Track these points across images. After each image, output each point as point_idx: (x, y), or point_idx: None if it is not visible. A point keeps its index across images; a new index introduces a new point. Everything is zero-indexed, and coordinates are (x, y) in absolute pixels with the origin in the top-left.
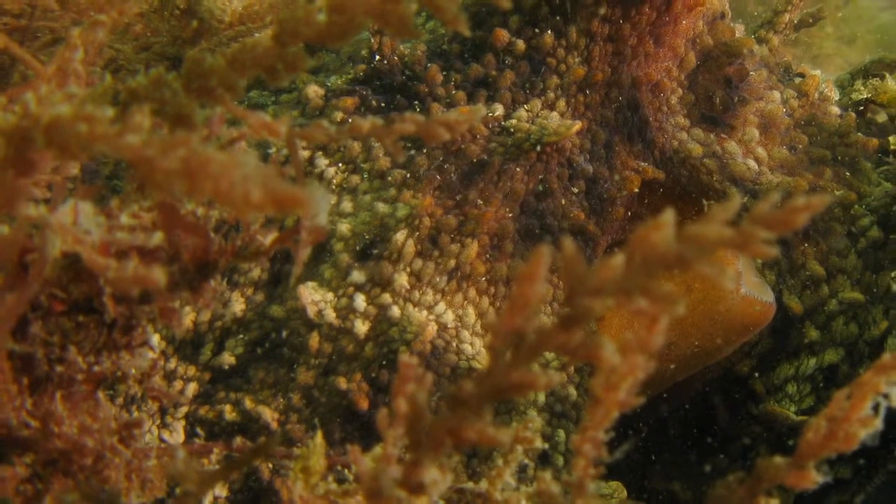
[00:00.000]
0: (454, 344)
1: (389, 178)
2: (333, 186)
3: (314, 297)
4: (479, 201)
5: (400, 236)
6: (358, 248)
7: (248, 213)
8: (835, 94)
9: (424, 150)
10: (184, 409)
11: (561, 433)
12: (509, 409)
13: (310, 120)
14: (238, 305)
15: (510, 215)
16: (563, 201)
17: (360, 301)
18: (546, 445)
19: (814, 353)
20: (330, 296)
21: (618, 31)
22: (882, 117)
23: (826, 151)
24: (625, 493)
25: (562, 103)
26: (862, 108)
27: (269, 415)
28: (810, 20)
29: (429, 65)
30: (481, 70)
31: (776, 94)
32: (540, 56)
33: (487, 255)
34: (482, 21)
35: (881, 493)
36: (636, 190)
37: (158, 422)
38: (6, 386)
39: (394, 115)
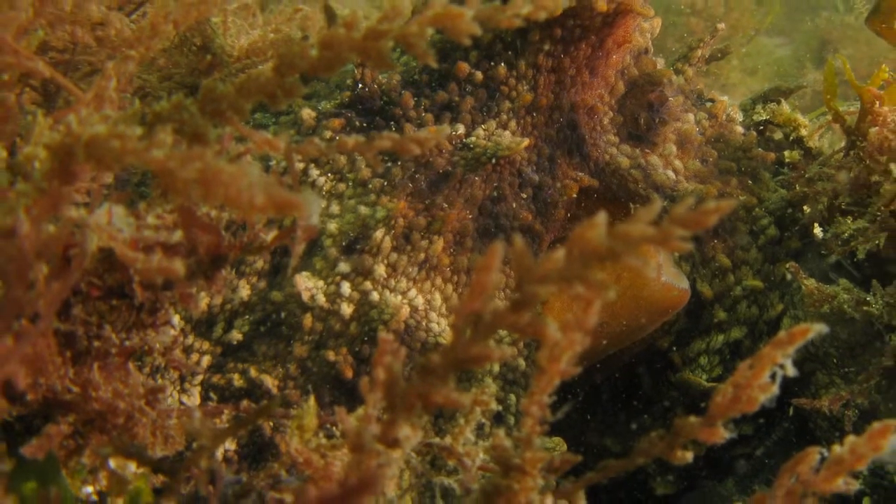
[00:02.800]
0: (424, 323)
1: (370, 186)
2: (323, 193)
3: (307, 285)
4: (445, 205)
5: (379, 234)
6: (344, 243)
7: (253, 214)
8: (739, 116)
9: (399, 163)
10: (199, 378)
11: (512, 397)
12: (469, 378)
13: (304, 137)
14: (244, 291)
15: (470, 217)
16: (514, 205)
17: (346, 288)
18: (500, 407)
19: (722, 331)
20: (321, 283)
21: (559, 64)
22: (778, 135)
23: (732, 163)
24: (565, 446)
25: (513, 124)
26: (762, 127)
27: (270, 382)
28: (719, 55)
29: (403, 92)
30: (446, 96)
31: (690, 116)
32: (495, 84)
33: (451, 250)
34: (447, 55)
35: (777, 446)
36: (574, 195)
37: (178, 388)
38: (52, 358)
39: (373, 134)
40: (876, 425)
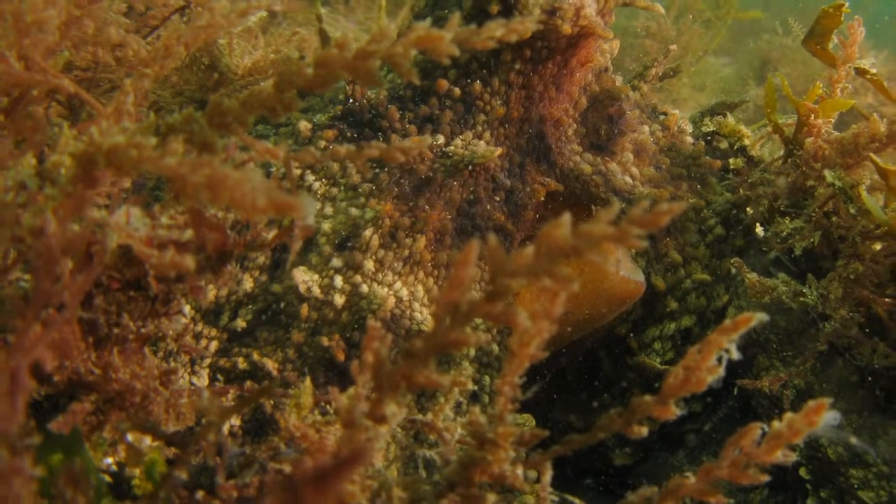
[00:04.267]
0: (408, 312)
1: (360, 190)
2: (318, 196)
3: (304, 278)
4: (426, 207)
5: (368, 233)
6: (336, 241)
7: (255, 215)
8: (689, 128)
9: (386, 169)
10: (208, 361)
11: (487, 378)
12: (448, 361)
13: (301, 147)
14: (248, 283)
15: (449, 217)
16: (489, 207)
17: (338, 281)
18: (476, 388)
19: (674, 319)
20: (316, 277)
21: (529, 81)
22: (724, 145)
23: (683, 170)
24: (533, 422)
25: (487, 135)
26: (709, 138)
27: (270, 365)
28: (671, 73)
29: (389, 106)
30: (428, 110)
31: (646, 128)
32: (471, 99)
33: (432, 247)
34: (428, 73)
35: (723, 422)
36: (542, 198)
37: (189, 370)
38: (77, 343)
39: (363, 144)
40: (811, 403)
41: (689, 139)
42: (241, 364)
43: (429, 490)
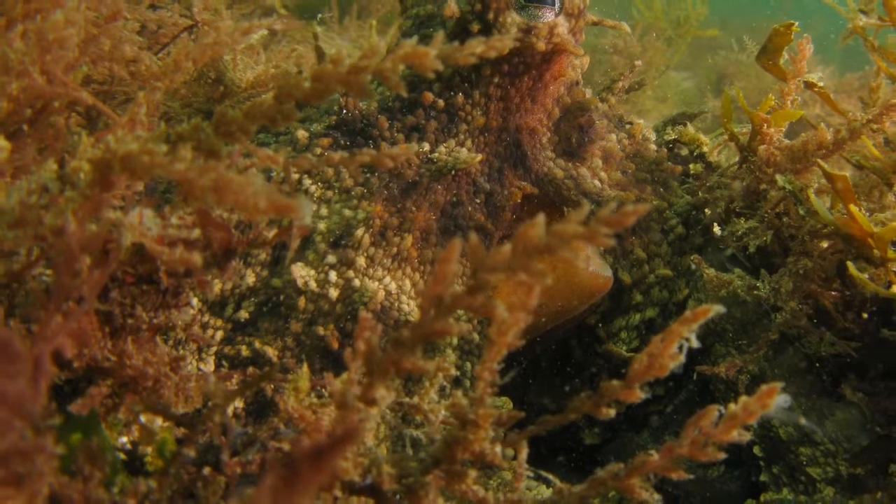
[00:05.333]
0: (396, 304)
1: (352, 193)
2: (314, 198)
3: (301, 273)
4: (413, 208)
5: (360, 232)
6: (331, 240)
7: (257, 216)
8: (653, 136)
9: (376, 174)
10: (214, 349)
11: (468, 365)
12: (433, 349)
13: (298, 153)
14: (250, 278)
15: (434, 218)
16: (470, 208)
17: (333, 275)
18: (458, 373)
19: (639, 311)
20: (312, 272)
21: (506, 94)
22: (685, 151)
23: (647, 175)
24: (510, 405)
25: (469, 142)
26: (671, 145)
27: (271, 352)
28: (636, 86)
29: (379, 116)
30: (414, 120)
31: (613, 136)
32: (454, 110)
33: (419, 245)
34: (415, 86)
35: (683, 404)
36: (518, 201)
37: (197, 357)
38: (94, 332)
39: (355, 150)
40: (764, 388)
41: (653, 146)
42: (244, 352)
43: (415, 466)
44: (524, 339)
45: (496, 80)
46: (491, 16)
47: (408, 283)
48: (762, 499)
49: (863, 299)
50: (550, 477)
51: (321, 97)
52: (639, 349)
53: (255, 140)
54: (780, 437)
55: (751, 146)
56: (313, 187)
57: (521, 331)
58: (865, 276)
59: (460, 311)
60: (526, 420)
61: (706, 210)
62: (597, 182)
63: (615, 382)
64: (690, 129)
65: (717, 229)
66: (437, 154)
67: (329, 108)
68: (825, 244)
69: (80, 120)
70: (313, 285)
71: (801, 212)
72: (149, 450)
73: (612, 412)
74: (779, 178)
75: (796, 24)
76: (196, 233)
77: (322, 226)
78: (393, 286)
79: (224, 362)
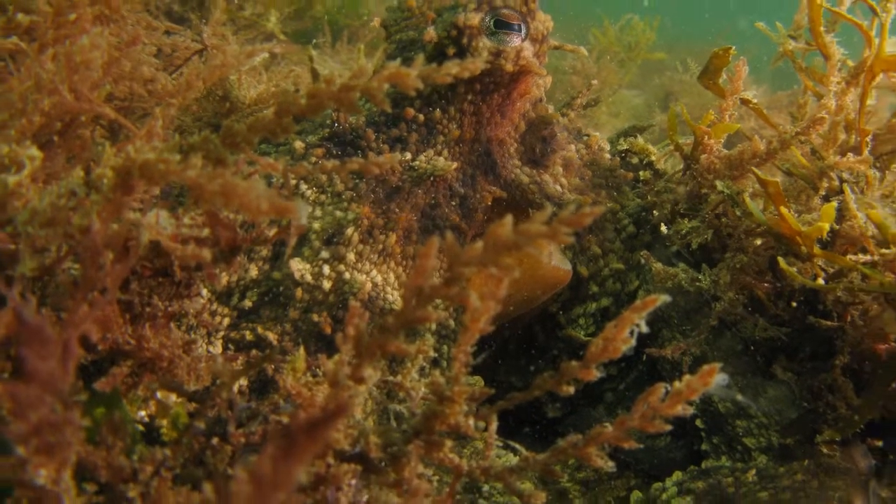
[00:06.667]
0: (382, 295)
1: (343, 196)
2: (310, 201)
3: (298, 267)
4: (397, 210)
5: (350, 231)
6: (324, 238)
7: (260, 217)
8: (607, 147)
9: (364, 180)
10: (221, 334)
11: (445, 347)
12: (414, 333)
13: (296, 162)
14: (253, 271)
15: (415, 218)
16: (446, 210)
17: (326, 269)
18: (436, 355)
19: (595, 300)
20: (308, 266)
21: (479, 109)
22: (635, 160)
23: (602, 180)
24: (482, 383)
25: (445, 152)
26: (623, 154)
27: (271, 337)
28: (592, 102)
29: (366, 129)
30: (398, 132)
31: (572, 147)
32: (432, 124)
33: (401, 242)
34: (398, 102)
35: (634, 382)
36: (489, 203)
37: (206, 341)
38: (116, 319)
39: (346, 159)
40: (705, 367)
41: (607, 156)
42: (248, 336)
43: (398, 437)
44: (494, 325)
45: (470, 97)
46: (465, 41)
47: (392, 275)
48: (703, 465)
49: (792, 290)
50: (517, 446)
51: (316, 112)
52: (595, 334)
53: (258, 150)
54: (719, 411)
55: (693, 155)
56: (309, 191)
57: (491, 318)
58: (794, 269)
59: (438, 301)
60: (496, 396)
61: (654, 211)
62: (558, 187)
63: (574, 363)
64: (640, 140)
65: (663, 228)
66: (417, 162)
67: (323, 122)
68: (759, 241)
69: (103, 132)
70: (309, 278)
71: (738, 213)
72: (164, 422)
73: (572, 389)
74: (718, 183)
75: (733, 48)
76: (206, 232)
77: (316, 225)
78: (379, 278)
79: (230, 345)
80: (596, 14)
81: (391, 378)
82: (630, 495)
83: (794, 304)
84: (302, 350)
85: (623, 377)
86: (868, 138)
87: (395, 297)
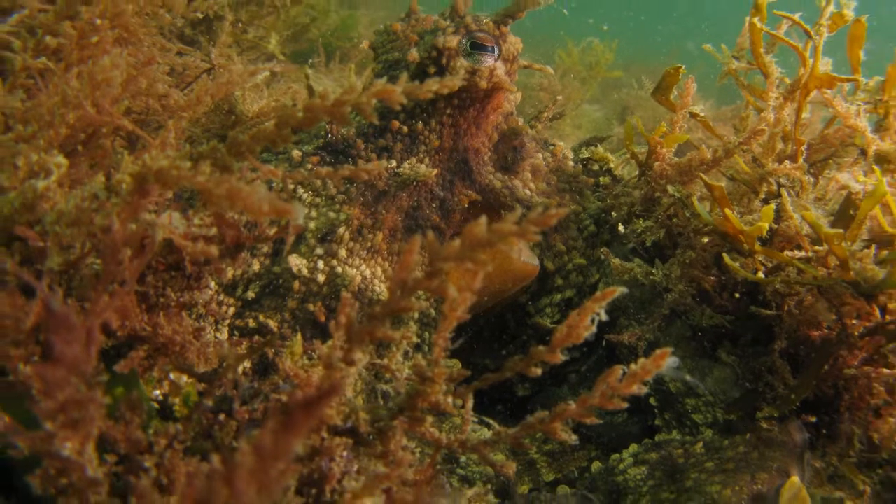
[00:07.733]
0: (370, 287)
1: (336, 199)
2: (306, 203)
3: (296, 262)
4: (383, 211)
5: (342, 230)
6: (319, 236)
7: (261, 217)
8: (571, 155)
9: (354, 184)
10: (227, 321)
11: (426, 334)
12: (399, 321)
13: (294, 168)
14: (256, 266)
15: (399, 219)
16: (427, 211)
17: (321, 264)
18: (418, 340)
19: (560, 292)
20: (304, 261)
21: (456, 122)
22: (596, 167)
23: (566, 185)
24: (459, 365)
25: (427, 160)
26: (585, 162)
27: (272, 324)
28: (558, 116)
29: (356, 139)
30: (384, 142)
31: (540, 155)
32: (415, 135)
33: (388, 240)
34: (385, 116)
35: (595, 364)
36: (466, 205)
37: (214, 328)
38: (134, 309)
39: (338, 166)
40: (658, 352)
41: (571, 163)
42: (251, 324)
43: (385, 413)
44: (470, 314)
45: (448, 111)
46: (444, 61)
47: (379, 270)
48: (656, 438)
49: (735, 283)
50: (491, 422)
51: (312, 124)
52: (560, 321)
53: (260, 158)
54: (670, 390)
55: (648, 163)
56: (305, 195)
57: (467, 307)
58: (737, 264)
59: (420, 292)
60: (472, 377)
61: (613, 213)
62: (527, 191)
63: (541, 348)
64: (600, 149)
65: (621, 228)
66: (402, 169)
67: (318, 133)
68: (706, 239)
69: (122, 142)
70: (305, 272)
71: (687, 214)
72: (176, 400)
73: (539, 371)
74: (670, 187)
75: (683, 67)
76: (213, 230)
77: (312, 225)
78: (368, 272)
79: (235, 332)
80: (561, 37)
81: (378, 361)
82: (591, 465)
83: (738, 295)
84: (299, 336)
85: (585, 360)
86: (803, 147)
87: (382, 289)
